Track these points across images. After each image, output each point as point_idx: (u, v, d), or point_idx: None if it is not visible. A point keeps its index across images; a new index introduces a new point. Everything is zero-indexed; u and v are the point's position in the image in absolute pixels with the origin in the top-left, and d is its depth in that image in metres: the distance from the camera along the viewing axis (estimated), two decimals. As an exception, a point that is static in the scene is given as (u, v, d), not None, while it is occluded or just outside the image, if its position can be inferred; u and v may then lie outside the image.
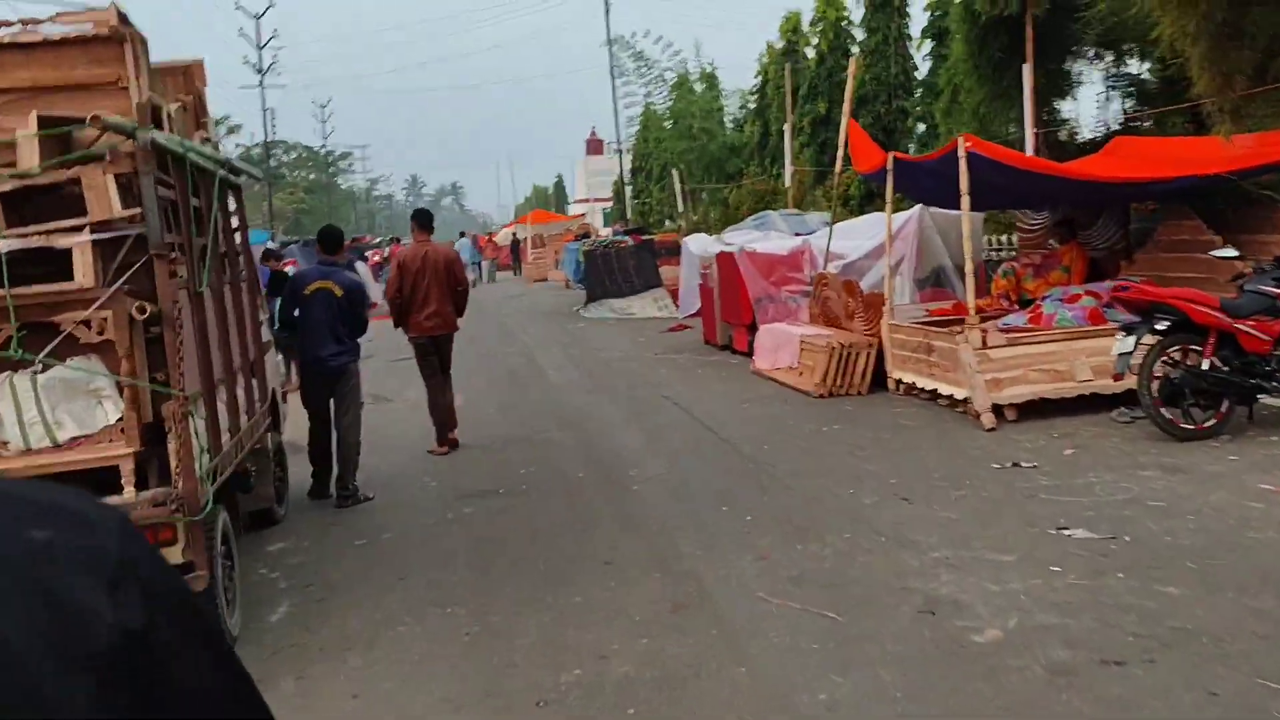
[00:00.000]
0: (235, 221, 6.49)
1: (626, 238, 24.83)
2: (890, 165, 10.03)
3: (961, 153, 8.37)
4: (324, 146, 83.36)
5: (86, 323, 4.06)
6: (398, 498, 7.48)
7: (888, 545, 5.56)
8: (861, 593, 4.90)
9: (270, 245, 38.09)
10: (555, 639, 4.61)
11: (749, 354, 12.57)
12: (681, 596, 5.01)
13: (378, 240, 66.08)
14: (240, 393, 5.63)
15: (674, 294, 19.87)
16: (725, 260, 13.28)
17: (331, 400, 7.55)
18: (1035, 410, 8.25)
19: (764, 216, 21.93)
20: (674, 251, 19.88)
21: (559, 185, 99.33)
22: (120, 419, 4.15)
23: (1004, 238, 13.88)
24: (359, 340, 7.73)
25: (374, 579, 5.61)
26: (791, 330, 11.33)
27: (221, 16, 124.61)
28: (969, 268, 8.79)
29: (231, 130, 51.75)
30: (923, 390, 9.31)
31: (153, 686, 0.70)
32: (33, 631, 0.65)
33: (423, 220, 9.27)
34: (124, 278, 4.09)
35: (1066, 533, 5.50)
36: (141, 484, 4.24)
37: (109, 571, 0.71)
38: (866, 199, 24.95)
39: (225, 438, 5.08)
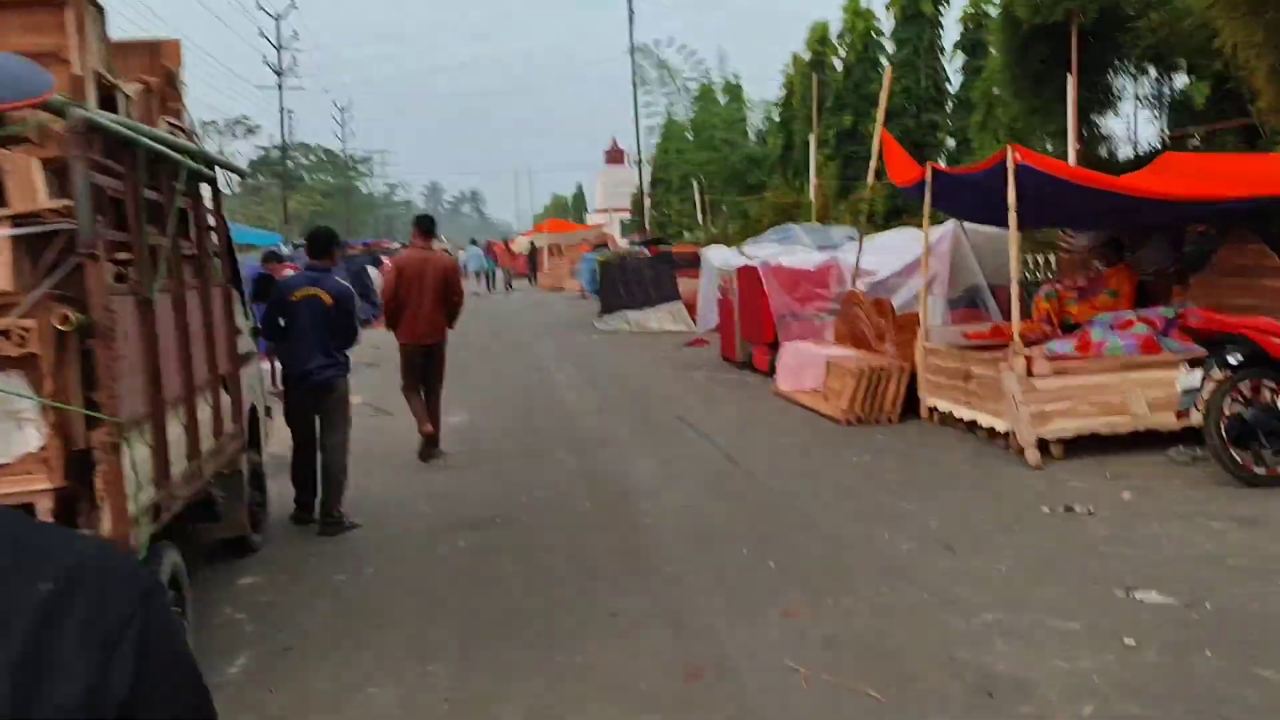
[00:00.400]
0: (214, 220, 5.87)
1: (644, 249, 24.22)
2: (928, 178, 9.36)
3: (1010, 165, 7.70)
4: (343, 150, 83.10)
5: (5, 332, 3.44)
6: (387, 524, 6.84)
7: (931, 604, 4.89)
8: (904, 664, 4.22)
9: (281, 249, 37.62)
10: (546, 712, 3.97)
11: (770, 373, 11.92)
12: (696, 662, 4.35)
13: (395, 246, 65.73)
14: (206, 411, 5.00)
15: (691, 308, 19.26)
16: (747, 274, 12.64)
17: (317, 418, 6.91)
18: (1083, 446, 7.56)
19: (787, 230, 21.28)
20: (692, 263, 19.25)
21: (578, 195, 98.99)
22: (43, 447, 3.53)
23: (1041, 257, 13.18)
24: (348, 353, 7.08)
25: (349, 627, 4.97)
26: (817, 350, 10.67)
27: (245, 16, 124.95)
28: (1014, 289, 8.10)
29: (250, 130, 51.52)
30: (959, 420, 8.63)
31: None
32: (20, 690, 0.69)
33: (425, 226, 9.12)
34: (49, 280, 3.47)
35: (1137, 595, 4.81)
36: (70, 521, 3.62)
37: (106, 631, 0.75)
38: (892, 214, 24.28)
39: (182, 465, 4.46)
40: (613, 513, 6.88)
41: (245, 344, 6.44)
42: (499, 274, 37.99)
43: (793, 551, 5.78)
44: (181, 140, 5.06)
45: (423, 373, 8.61)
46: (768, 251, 13.49)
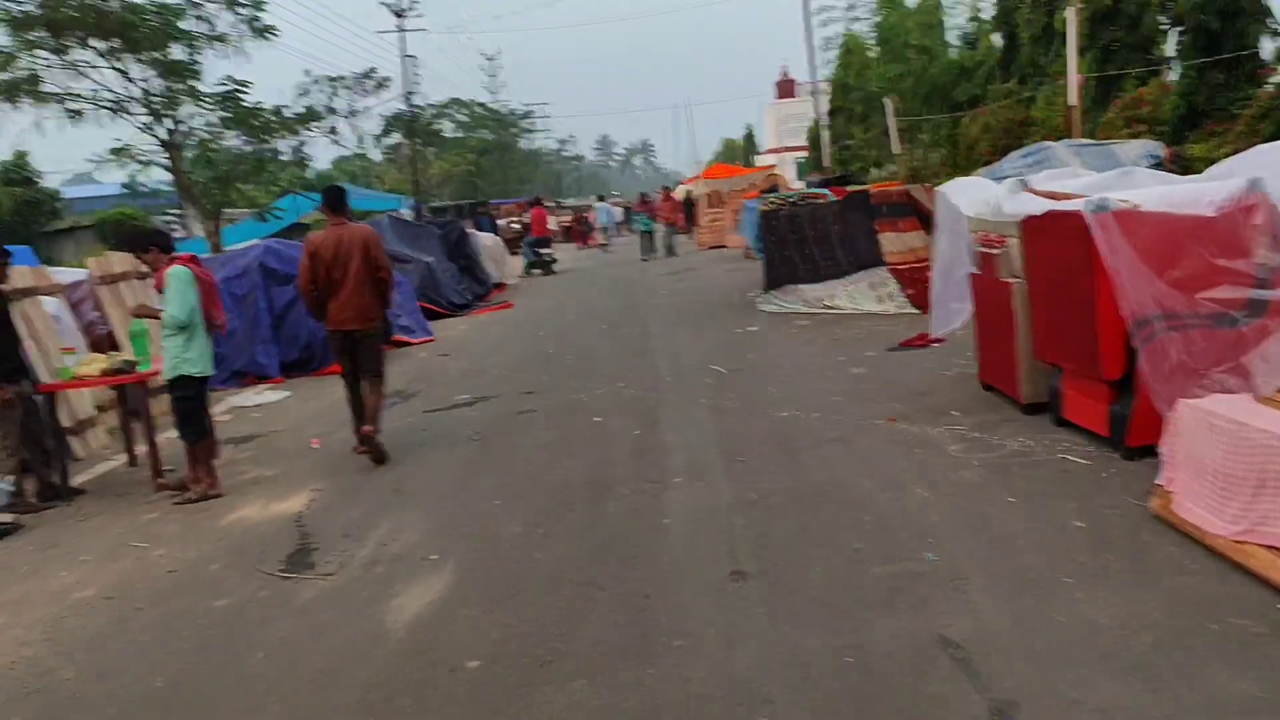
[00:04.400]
0: None
1: (825, 190, 17.52)
2: None
3: None
4: (499, 102, 78.68)
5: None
6: None
7: None
8: None
9: (404, 212, 32.55)
10: None
11: (1111, 439, 5.50)
12: None
13: (551, 204, 60.70)
14: None
15: (903, 275, 12.64)
16: (1053, 228, 6.07)
17: None
18: None
19: (1041, 150, 14.31)
20: (901, 210, 12.64)
21: (749, 137, 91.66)
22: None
23: None
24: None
25: None
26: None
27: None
28: None
29: (380, 85, 47.05)
30: None
31: None
32: None
33: (333, 201, 7.81)
34: None
35: None
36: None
37: None
38: (1186, 121, 16.72)
39: None
40: None
41: None
42: (659, 232, 29.54)
43: None
44: None
45: (354, 363, 7.71)
46: (1083, 184, 6.77)
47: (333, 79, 47.08)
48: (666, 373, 10.15)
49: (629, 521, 5.54)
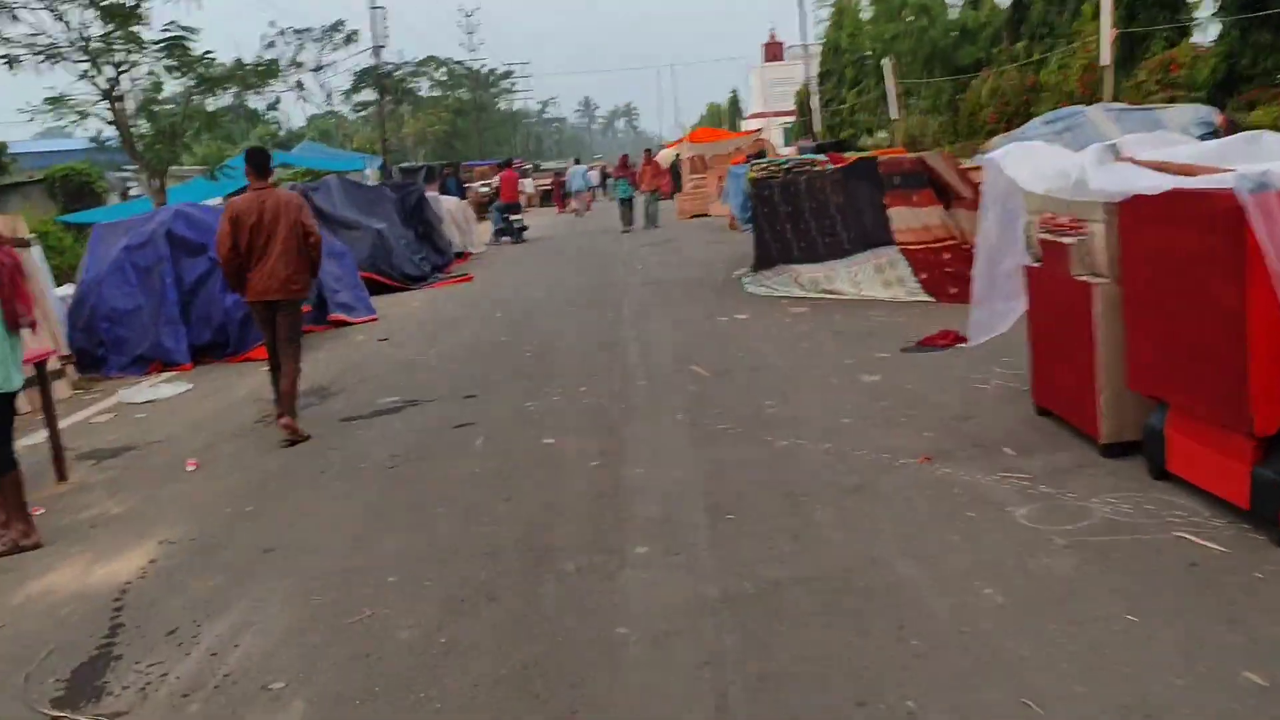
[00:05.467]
0: None
1: (821, 157, 15.74)
2: None
3: None
4: (477, 60, 76.07)
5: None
6: None
7: None
8: None
9: (367, 173, 30.49)
10: None
11: (1254, 512, 3.87)
12: None
13: (528, 166, 58.42)
14: None
15: (916, 257, 10.96)
16: (1165, 213, 4.38)
17: None
18: None
19: (1071, 116, 12.65)
20: (915, 181, 10.91)
21: (733, 100, 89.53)
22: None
23: None
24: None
25: None
26: None
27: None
28: None
29: (349, 39, 44.61)
30: None
31: None
32: None
33: (257, 163, 7.41)
34: None
35: None
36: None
37: None
38: (1225, 86, 15.05)
39: None
40: None
41: None
42: (638, 201, 26.36)
43: None
44: None
45: (273, 334, 7.30)
46: (1194, 154, 5.06)
47: (299, 31, 44.86)
48: (638, 373, 8.44)
49: (572, 626, 3.84)
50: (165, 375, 10.27)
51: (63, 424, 8.44)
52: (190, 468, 6.68)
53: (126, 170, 34.47)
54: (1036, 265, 5.85)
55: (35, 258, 10.14)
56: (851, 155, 14.94)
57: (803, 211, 11.85)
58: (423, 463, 6.27)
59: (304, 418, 7.73)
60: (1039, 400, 6.02)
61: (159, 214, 11.19)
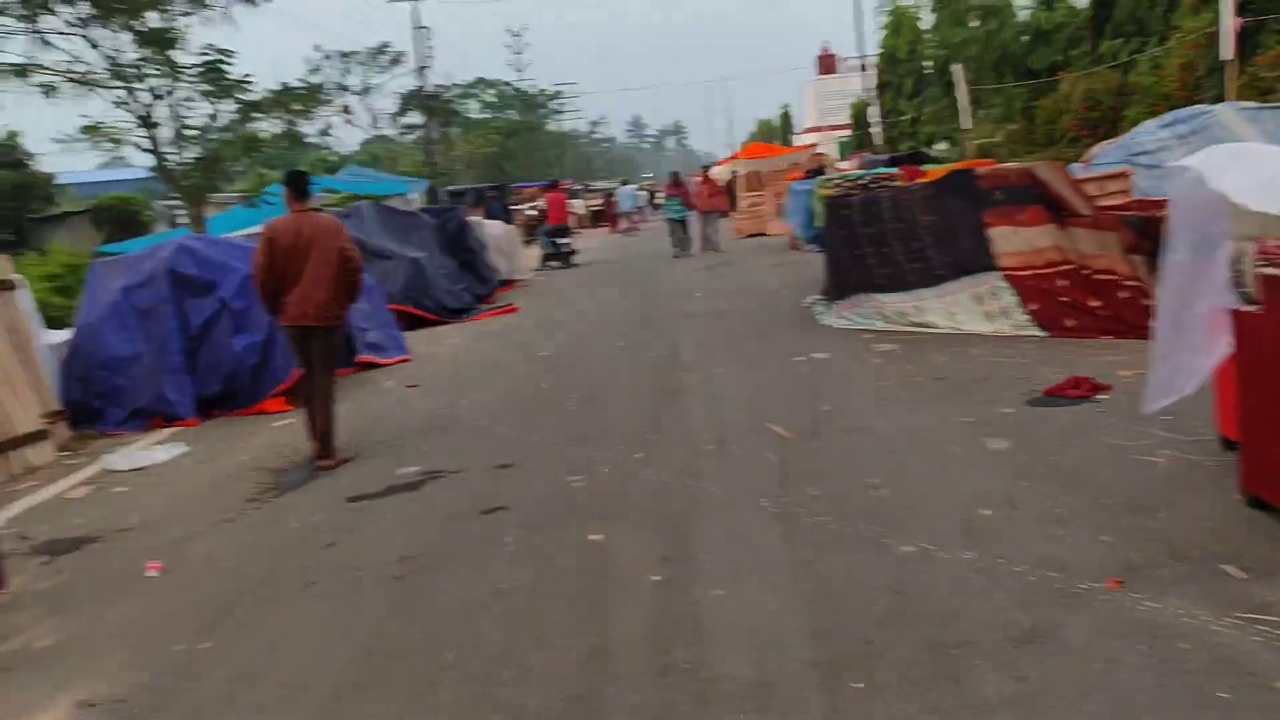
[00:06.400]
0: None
1: (893, 170, 14.21)
2: None
3: None
4: (520, 82, 75.44)
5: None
6: None
7: None
8: None
9: (411, 198, 29.43)
10: None
11: None
12: None
13: (577, 186, 57.38)
14: None
15: (1024, 284, 9.42)
16: None
17: None
18: None
19: (1197, 118, 11.08)
20: (1022, 196, 9.36)
21: (785, 117, 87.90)
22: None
23: None
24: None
25: None
26: None
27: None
28: None
29: (395, 61, 43.86)
30: None
31: None
32: None
33: (298, 186, 7.25)
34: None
35: None
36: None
37: None
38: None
39: None
40: None
41: None
42: (692, 221, 23.54)
43: None
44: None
45: (308, 361, 7.22)
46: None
47: (345, 54, 44.31)
48: (705, 433, 7.01)
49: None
50: (163, 434, 9.06)
51: (35, 499, 7.28)
52: (152, 572, 5.37)
53: (175, 199, 33.93)
54: (1252, 309, 4.34)
55: (21, 302, 9.01)
56: (933, 169, 13.42)
57: (886, 233, 10.35)
58: (437, 573, 4.89)
59: (306, 492, 6.44)
60: (1253, 487, 4.49)
61: (161, 249, 10.00)
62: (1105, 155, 11.87)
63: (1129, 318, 8.55)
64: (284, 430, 8.65)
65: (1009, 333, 9.28)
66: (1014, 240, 9.34)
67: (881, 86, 38.39)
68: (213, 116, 21.45)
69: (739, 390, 8.28)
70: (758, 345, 10.28)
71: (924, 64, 32.43)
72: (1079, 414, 6.49)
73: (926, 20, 34.44)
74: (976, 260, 9.63)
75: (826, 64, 62.96)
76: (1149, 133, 11.61)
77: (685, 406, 7.93)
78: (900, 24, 34.13)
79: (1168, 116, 11.82)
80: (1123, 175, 10.76)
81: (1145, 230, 8.47)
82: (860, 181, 12.06)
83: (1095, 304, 8.79)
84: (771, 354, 9.70)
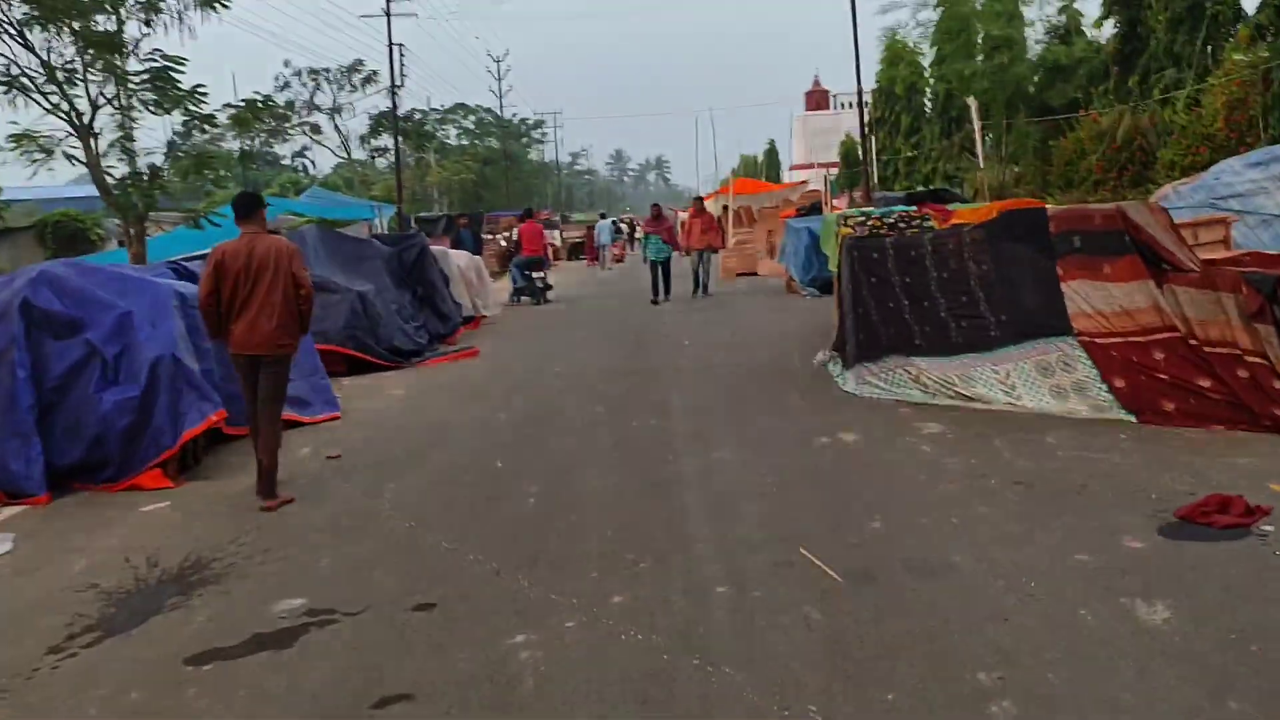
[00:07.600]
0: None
1: (910, 209, 12.30)
2: None
3: None
4: (501, 109, 73.84)
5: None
6: None
7: None
8: None
9: (372, 224, 27.30)
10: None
11: None
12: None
13: (555, 217, 55.58)
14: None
15: (1106, 354, 7.50)
16: None
17: None
18: None
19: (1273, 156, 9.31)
20: (1107, 244, 7.46)
21: (770, 153, 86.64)
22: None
23: None
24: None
25: None
26: None
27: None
28: None
29: (368, 80, 41.98)
30: None
31: None
32: None
33: (246, 206, 6.96)
34: None
35: None
36: None
37: None
38: None
39: None
40: None
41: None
42: (681, 262, 21.10)
43: None
44: None
45: (254, 391, 6.83)
46: None
47: (314, 71, 42.25)
48: (714, 564, 5.00)
49: None
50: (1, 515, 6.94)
51: None
52: None
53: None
54: None
55: None
56: (963, 209, 11.59)
57: (928, 284, 8.44)
58: None
59: (138, 637, 4.42)
60: None
61: (16, 276, 7.92)
62: (1179, 198, 10.02)
63: (1251, 403, 6.65)
64: (151, 519, 6.58)
65: (1084, 414, 7.35)
66: (1097, 298, 7.42)
67: (875, 123, 36.90)
68: (181, 134, 19.34)
69: (750, 487, 6.29)
70: (767, 418, 8.29)
71: (924, 99, 30.83)
72: (1243, 554, 4.54)
73: (927, 55, 32.98)
74: (1045, 321, 7.71)
75: (816, 99, 61.54)
76: (1235, 173, 9.81)
77: (681, 511, 5.91)
78: (899, 57, 32.57)
79: (1256, 155, 10.03)
80: (1221, 222, 8.90)
81: (1277, 293, 6.59)
82: (886, 220, 10.19)
83: (1205, 384, 6.87)
84: (786, 431, 7.72)
